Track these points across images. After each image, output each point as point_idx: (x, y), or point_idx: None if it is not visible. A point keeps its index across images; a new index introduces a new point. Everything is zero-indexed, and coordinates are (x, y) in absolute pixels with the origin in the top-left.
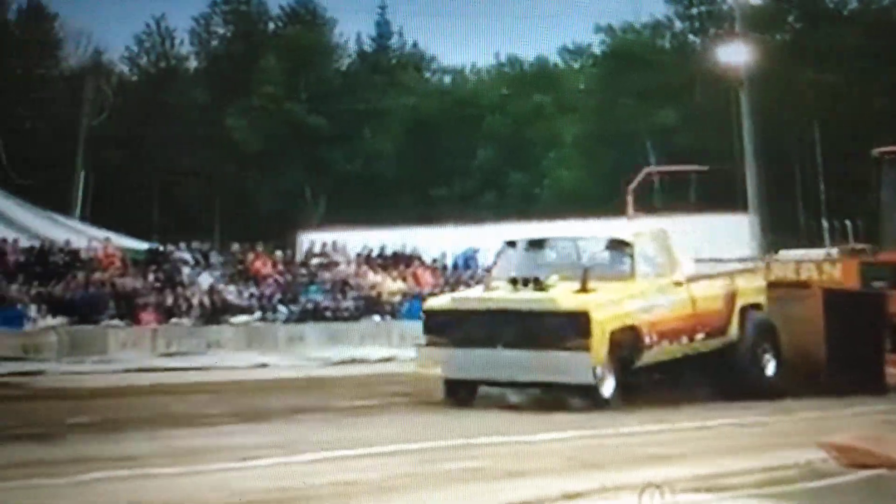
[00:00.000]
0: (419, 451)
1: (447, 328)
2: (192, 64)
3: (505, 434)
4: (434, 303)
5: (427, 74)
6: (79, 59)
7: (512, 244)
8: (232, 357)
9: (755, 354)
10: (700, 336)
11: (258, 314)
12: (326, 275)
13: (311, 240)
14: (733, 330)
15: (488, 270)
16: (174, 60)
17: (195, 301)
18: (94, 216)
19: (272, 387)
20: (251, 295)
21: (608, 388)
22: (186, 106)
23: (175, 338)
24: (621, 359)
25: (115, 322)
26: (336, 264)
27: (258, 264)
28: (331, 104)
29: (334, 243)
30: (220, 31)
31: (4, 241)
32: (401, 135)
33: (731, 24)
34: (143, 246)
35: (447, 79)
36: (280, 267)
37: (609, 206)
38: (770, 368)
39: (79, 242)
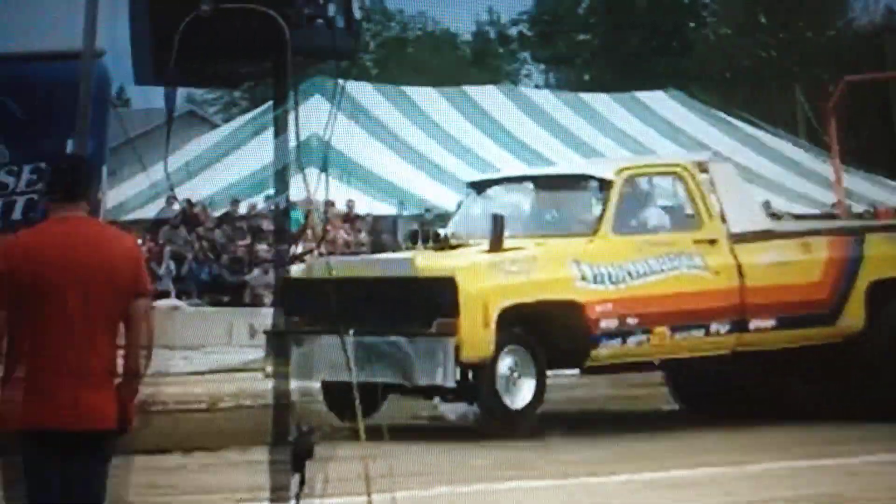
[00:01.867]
0: None
1: (303, 307)
2: None
3: None
4: (294, 271)
5: None
6: (870, 16)
7: (478, 187)
8: None
9: None
10: (764, 324)
11: None
12: None
13: None
14: (855, 316)
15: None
16: None
17: None
18: None
19: None
20: None
21: (521, 396)
22: None
23: None
24: (551, 351)
25: None
26: None
27: None
28: None
29: None
30: None
31: None
32: None
33: None
34: None
35: None
36: None
37: None
38: None
39: None
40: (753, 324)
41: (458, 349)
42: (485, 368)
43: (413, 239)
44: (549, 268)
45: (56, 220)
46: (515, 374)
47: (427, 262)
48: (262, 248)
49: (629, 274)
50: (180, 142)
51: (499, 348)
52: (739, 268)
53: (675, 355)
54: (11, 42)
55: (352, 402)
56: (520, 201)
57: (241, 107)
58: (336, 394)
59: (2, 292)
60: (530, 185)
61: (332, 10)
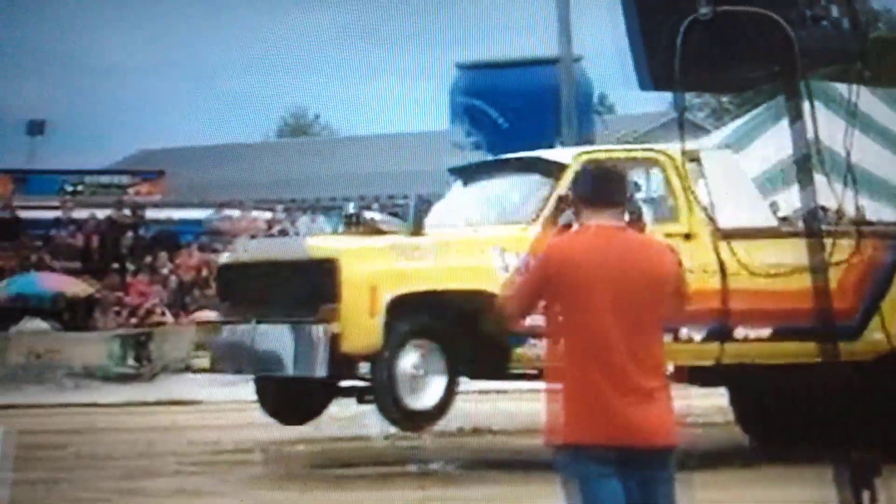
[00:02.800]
0: None
1: (225, 294)
2: None
3: None
4: (225, 255)
5: None
6: None
7: (457, 173)
8: None
9: None
10: (755, 333)
11: None
12: None
13: None
14: (887, 331)
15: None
16: None
17: None
18: None
19: None
20: None
21: (428, 395)
22: None
23: None
24: (469, 349)
25: None
26: None
27: None
28: None
29: None
30: None
31: None
32: None
33: None
34: None
35: None
36: None
37: None
38: None
39: None
40: (740, 332)
41: (339, 339)
42: (380, 363)
43: (348, 223)
44: (463, 255)
45: (596, 227)
46: (421, 371)
47: (318, 244)
48: None
49: None
50: None
51: (402, 341)
52: (722, 267)
53: None
54: (488, 49)
55: (290, 401)
56: (501, 188)
57: (731, 112)
58: (267, 389)
59: (538, 295)
60: (499, 171)
61: (835, 11)
